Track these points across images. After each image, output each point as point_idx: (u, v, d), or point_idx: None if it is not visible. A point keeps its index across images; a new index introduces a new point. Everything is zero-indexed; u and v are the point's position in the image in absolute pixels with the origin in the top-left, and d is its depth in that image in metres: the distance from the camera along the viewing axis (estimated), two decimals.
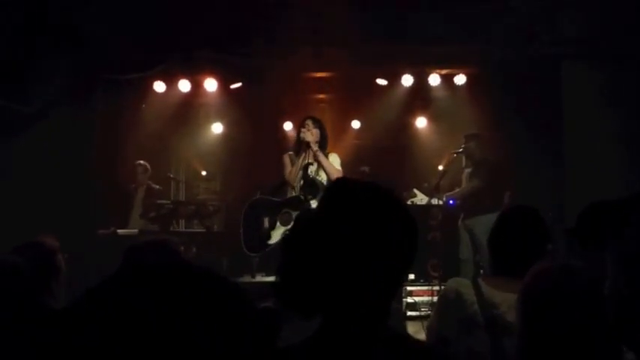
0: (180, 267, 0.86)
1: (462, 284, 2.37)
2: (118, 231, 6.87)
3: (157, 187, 7.94)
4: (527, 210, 2.45)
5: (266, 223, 5.73)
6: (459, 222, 6.88)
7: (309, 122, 5.78)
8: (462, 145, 6.86)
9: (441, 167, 8.51)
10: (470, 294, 2.29)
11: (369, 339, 1.19)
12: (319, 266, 1.19)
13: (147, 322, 0.77)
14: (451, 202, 6.88)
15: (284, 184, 5.79)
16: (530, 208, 2.46)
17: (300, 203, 5.44)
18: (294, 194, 5.63)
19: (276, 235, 5.65)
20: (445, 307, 2.34)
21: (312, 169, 5.62)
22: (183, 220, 8.14)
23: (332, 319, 1.20)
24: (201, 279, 0.85)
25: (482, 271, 6.52)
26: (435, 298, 6.35)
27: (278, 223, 5.68)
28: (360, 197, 1.24)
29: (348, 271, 1.17)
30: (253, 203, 6.02)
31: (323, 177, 5.62)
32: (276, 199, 5.84)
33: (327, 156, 5.62)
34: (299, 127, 5.91)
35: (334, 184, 1.31)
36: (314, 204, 5.45)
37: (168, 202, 7.66)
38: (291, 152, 5.87)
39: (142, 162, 7.73)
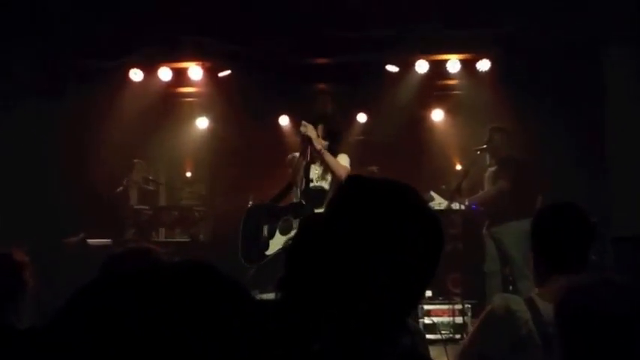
0: (166, 268, 0.87)
1: (513, 301, 2.37)
2: (88, 240, 6.89)
3: (150, 187, 8.02)
4: (570, 205, 2.47)
5: (265, 231, 5.75)
6: (484, 230, 6.84)
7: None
8: (486, 141, 6.85)
9: (461, 167, 8.49)
10: (523, 311, 2.29)
11: (377, 354, 1.19)
12: (329, 279, 1.19)
13: (133, 331, 0.78)
14: (474, 206, 6.87)
15: (289, 187, 5.79)
16: (572, 203, 2.47)
17: (303, 210, 5.47)
18: (296, 200, 5.63)
19: (275, 245, 5.62)
20: (493, 328, 2.33)
21: (315, 172, 5.63)
22: (165, 229, 8.19)
23: (338, 331, 1.19)
24: (191, 278, 0.86)
25: (511, 287, 6.48)
26: (458, 319, 6.39)
27: (277, 232, 5.71)
28: (379, 197, 1.23)
29: (361, 283, 1.17)
30: (253, 209, 6.03)
31: (328, 181, 5.59)
32: (277, 205, 5.85)
33: (335, 156, 5.59)
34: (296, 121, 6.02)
35: (347, 183, 1.30)
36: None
37: (147, 207, 7.75)
38: (295, 154, 5.83)
39: (138, 160, 7.89)
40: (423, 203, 1.29)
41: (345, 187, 1.29)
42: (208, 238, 8.15)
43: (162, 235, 8.21)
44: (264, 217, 5.79)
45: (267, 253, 5.63)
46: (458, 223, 7.06)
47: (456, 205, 6.88)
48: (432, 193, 7.27)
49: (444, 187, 7.72)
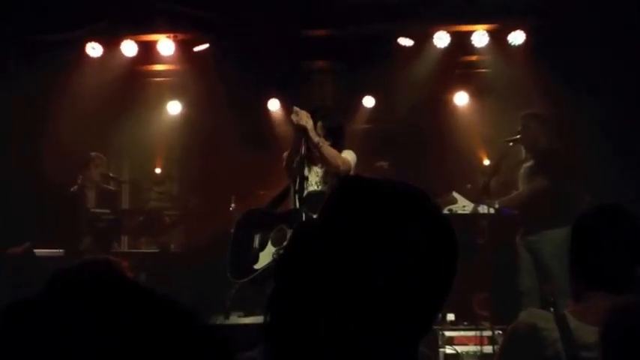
0: (115, 286, 0.92)
1: (541, 317, 2.41)
2: (35, 251, 6.93)
3: (111, 187, 8.01)
4: (616, 208, 2.50)
5: (256, 241, 5.80)
6: (518, 239, 6.87)
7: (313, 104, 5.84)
8: (520, 130, 6.85)
9: (489, 162, 8.50)
10: (551, 329, 2.33)
11: None
12: (320, 297, 1.22)
13: None
14: (506, 210, 6.88)
15: (287, 191, 5.83)
16: (619, 205, 2.51)
17: (299, 218, 5.45)
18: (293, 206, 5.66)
19: (264, 258, 5.62)
20: (516, 347, 2.38)
21: (315, 174, 5.66)
22: (128, 237, 8.21)
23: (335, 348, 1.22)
24: (137, 305, 0.91)
25: (552, 308, 6.49)
26: (486, 348, 6.42)
27: (269, 243, 5.75)
28: (380, 202, 1.27)
29: (358, 301, 1.21)
30: (247, 215, 6.06)
31: (330, 184, 5.61)
32: (273, 212, 5.90)
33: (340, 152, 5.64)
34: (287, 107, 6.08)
35: (342, 184, 1.35)
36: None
37: (107, 211, 7.72)
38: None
39: (96, 153, 7.90)
40: (431, 205, 1.32)
41: (340, 188, 1.34)
42: (181, 248, 8.20)
43: (125, 245, 8.25)
44: (258, 225, 5.84)
45: (256, 266, 5.66)
46: (486, 230, 7.03)
47: (483, 209, 6.90)
48: (455, 194, 7.30)
49: (469, 186, 7.73)
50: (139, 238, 8.28)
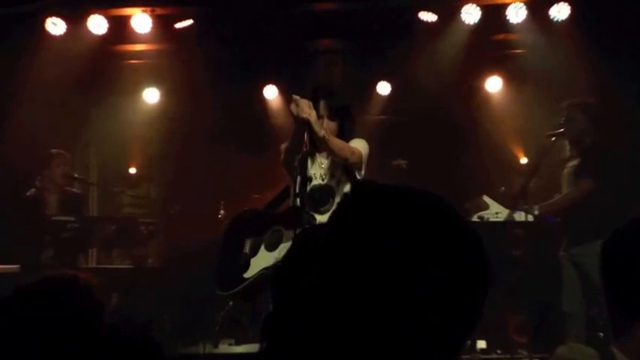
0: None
1: (582, 353, 2.39)
2: None
3: (76, 190, 8.02)
4: None
5: (247, 247, 5.79)
6: (561, 252, 6.88)
7: (322, 108, 5.65)
8: (563, 122, 6.86)
9: (528, 160, 8.56)
10: None
11: None
12: (328, 323, 1.24)
13: None
14: (547, 217, 6.90)
15: (286, 193, 5.84)
16: None
17: (299, 217, 5.41)
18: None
19: (256, 265, 5.65)
20: None
21: (319, 166, 5.67)
22: (97, 250, 8.19)
23: None
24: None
25: (601, 334, 6.49)
26: None
27: (262, 247, 5.74)
28: (395, 215, 1.30)
29: (377, 327, 1.23)
30: (238, 218, 6.07)
31: (337, 177, 5.64)
32: (269, 213, 5.91)
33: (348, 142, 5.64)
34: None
35: (352, 193, 1.38)
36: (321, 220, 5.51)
37: (72, 219, 7.68)
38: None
39: (58, 150, 7.90)
40: (455, 216, 1.34)
41: (349, 196, 1.37)
42: (161, 263, 8.17)
43: (93, 259, 8.26)
44: (250, 228, 5.84)
45: (246, 275, 5.65)
46: (523, 241, 7.17)
47: (520, 216, 6.93)
48: (486, 199, 7.29)
49: (503, 189, 7.78)
50: (110, 251, 8.24)
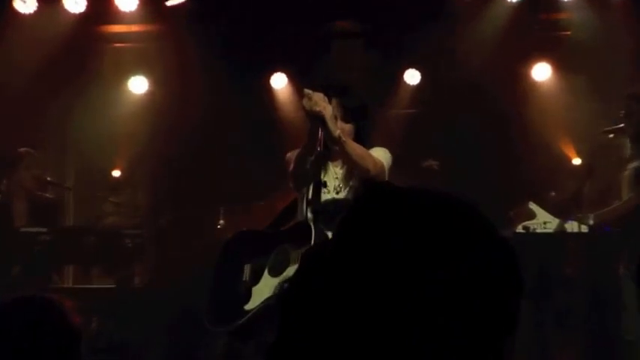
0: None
1: None
2: None
3: (49, 196, 8.10)
4: None
5: (246, 273, 5.77)
6: (621, 269, 6.88)
7: (334, 104, 5.68)
8: (623, 116, 6.91)
9: (581, 160, 8.55)
10: None
11: None
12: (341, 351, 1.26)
13: None
14: (606, 228, 6.95)
15: (294, 207, 5.82)
16: None
17: (309, 235, 5.39)
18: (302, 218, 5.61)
19: (260, 294, 5.63)
20: None
21: (333, 176, 5.66)
22: (74, 267, 8.30)
23: None
24: None
25: None
26: None
27: (266, 272, 5.70)
28: (413, 223, 1.32)
29: (377, 337, 1.26)
30: (236, 239, 6.08)
31: (354, 188, 5.63)
32: (269, 232, 5.91)
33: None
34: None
35: (364, 196, 1.41)
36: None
37: (44, 230, 7.72)
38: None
39: (27, 149, 7.93)
40: (486, 225, 1.35)
41: (360, 200, 1.40)
42: (148, 282, 8.19)
43: (69, 279, 8.35)
44: (250, 251, 5.84)
45: (247, 307, 5.63)
46: (577, 255, 7.20)
47: (573, 226, 7.01)
48: (533, 206, 7.32)
49: (553, 194, 7.82)
50: (90, 269, 8.30)
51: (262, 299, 5.58)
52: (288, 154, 5.75)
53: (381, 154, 5.62)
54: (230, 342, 7.15)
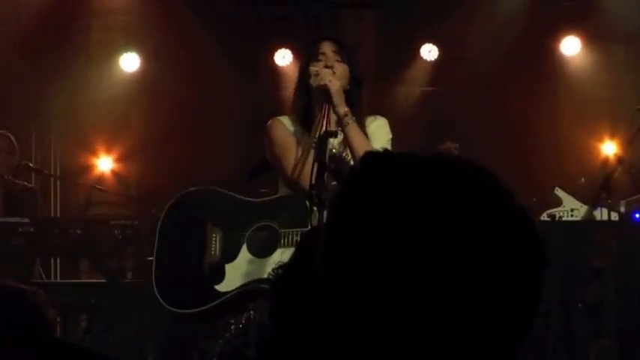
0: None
1: None
2: None
3: (29, 184, 8.03)
4: None
5: (215, 243, 5.61)
6: None
7: (326, 47, 5.72)
8: None
9: (613, 144, 8.48)
10: None
11: None
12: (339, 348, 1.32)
13: None
14: (638, 215, 7.02)
15: (265, 165, 5.83)
16: None
17: (298, 209, 5.35)
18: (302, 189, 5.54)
19: (236, 275, 5.55)
20: None
21: (335, 144, 5.58)
22: (57, 259, 8.18)
23: None
24: None
25: None
26: None
27: (244, 249, 5.55)
28: (419, 191, 1.33)
29: (377, 331, 1.30)
30: (198, 197, 5.98)
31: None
32: (243, 198, 5.77)
33: (364, 126, 5.65)
34: (307, 59, 5.85)
35: (361, 166, 1.42)
36: None
37: (25, 220, 7.59)
38: (286, 116, 5.91)
39: (3, 131, 7.86)
40: (504, 193, 1.36)
41: (357, 171, 1.42)
42: (139, 277, 7.85)
43: (55, 273, 8.28)
44: (219, 218, 5.81)
45: (221, 288, 5.54)
46: (609, 246, 7.23)
47: (602, 214, 7.03)
48: (559, 192, 7.41)
49: (582, 180, 7.75)
50: (77, 262, 8.22)
51: (242, 282, 5.56)
52: (272, 123, 5.82)
53: (381, 130, 5.75)
54: (230, 341, 7.23)
